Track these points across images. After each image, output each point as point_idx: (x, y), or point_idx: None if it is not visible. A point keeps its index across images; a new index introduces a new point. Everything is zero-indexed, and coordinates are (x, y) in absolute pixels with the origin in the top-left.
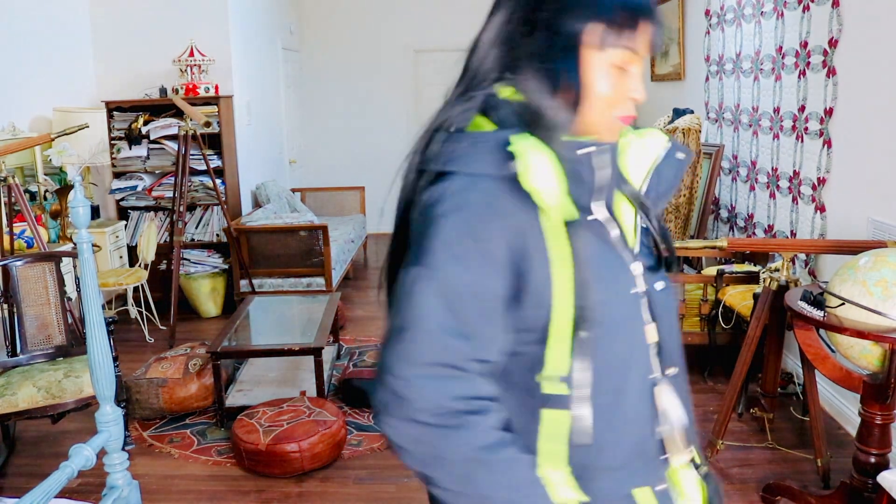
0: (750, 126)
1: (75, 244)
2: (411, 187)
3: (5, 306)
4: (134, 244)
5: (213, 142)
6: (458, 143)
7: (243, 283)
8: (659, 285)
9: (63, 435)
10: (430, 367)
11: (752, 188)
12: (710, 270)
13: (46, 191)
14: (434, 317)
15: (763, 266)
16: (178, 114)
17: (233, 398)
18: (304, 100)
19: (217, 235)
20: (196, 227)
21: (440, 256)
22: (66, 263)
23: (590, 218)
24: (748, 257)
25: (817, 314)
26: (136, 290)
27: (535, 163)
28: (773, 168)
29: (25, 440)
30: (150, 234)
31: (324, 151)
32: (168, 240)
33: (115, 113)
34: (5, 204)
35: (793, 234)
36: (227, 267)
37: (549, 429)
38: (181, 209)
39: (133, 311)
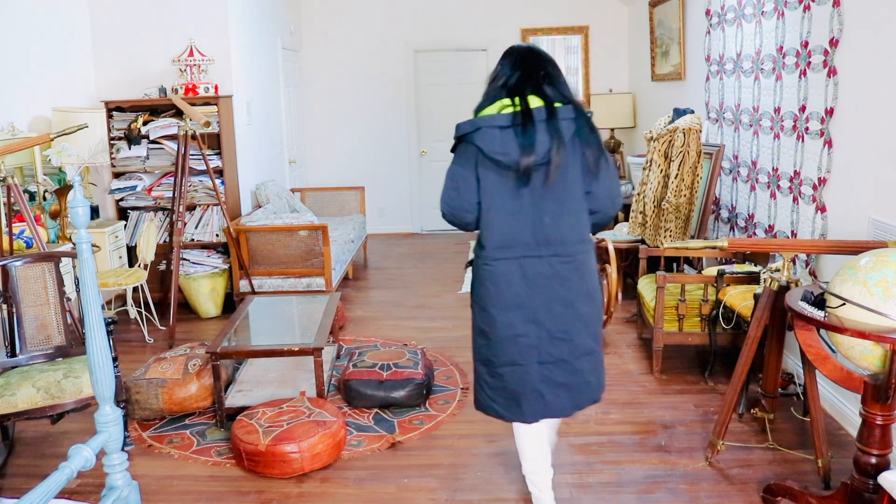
0: (750, 126)
1: (74, 244)
2: None
3: (4, 307)
4: (133, 244)
5: (213, 142)
6: None
7: (243, 283)
8: None
9: (62, 435)
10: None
11: (753, 188)
12: (711, 271)
13: (46, 191)
14: None
15: (764, 266)
16: (178, 114)
17: (232, 398)
18: (304, 100)
19: (217, 235)
20: (196, 227)
21: None
22: (66, 264)
23: None
24: (749, 257)
25: (818, 314)
26: (135, 290)
27: None
28: (773, 168)
29: (25, 441)
30: (149, 235)
31: (324, 151)
32: (167, 240)
33: (114, 113)
34: (4, 204)
35: (793, 234)
36: (226, 267)
37: None
38: (181, 209)
39: (132, 312)
